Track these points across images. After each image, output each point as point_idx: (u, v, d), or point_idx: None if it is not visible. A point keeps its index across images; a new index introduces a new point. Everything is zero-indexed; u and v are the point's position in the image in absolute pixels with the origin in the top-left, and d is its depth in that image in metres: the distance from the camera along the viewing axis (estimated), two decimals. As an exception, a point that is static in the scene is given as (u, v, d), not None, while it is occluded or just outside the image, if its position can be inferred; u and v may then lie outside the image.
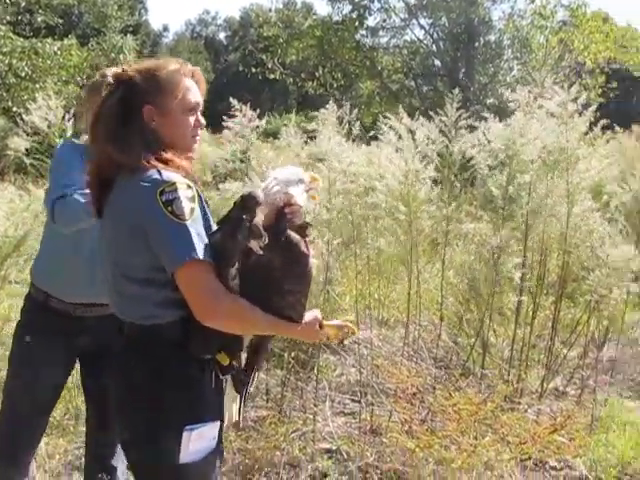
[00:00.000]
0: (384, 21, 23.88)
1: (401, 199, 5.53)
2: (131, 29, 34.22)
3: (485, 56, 22.42)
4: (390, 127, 5.92)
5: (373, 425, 5.31)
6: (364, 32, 24.16)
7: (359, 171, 5.69)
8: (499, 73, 22.30)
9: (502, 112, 7.32)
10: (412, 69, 23.54)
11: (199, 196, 2.58)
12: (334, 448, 5.16)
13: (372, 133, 6.25)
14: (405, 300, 6.16)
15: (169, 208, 2.47)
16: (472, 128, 6.00)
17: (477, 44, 22.46)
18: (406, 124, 5.84)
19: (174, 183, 2.49)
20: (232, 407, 2.85)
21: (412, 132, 5.88)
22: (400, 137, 5.81)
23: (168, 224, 2.47)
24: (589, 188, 6.05)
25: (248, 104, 6.37)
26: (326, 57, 23.72)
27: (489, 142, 5.82)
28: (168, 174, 2.52)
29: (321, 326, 2.73)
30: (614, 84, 20.23)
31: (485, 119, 6.14)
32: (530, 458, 4.91)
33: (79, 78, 21.35)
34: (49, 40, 21.99)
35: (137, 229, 2.53)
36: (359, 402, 5.62)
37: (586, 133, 5.92)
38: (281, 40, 25.61)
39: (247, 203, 2.56)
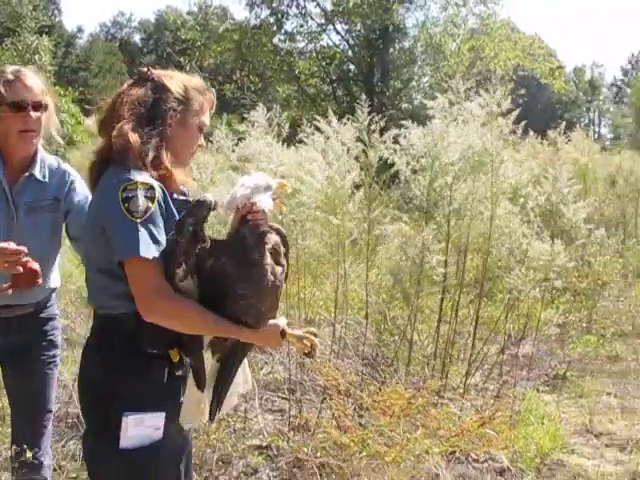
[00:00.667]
0: (301, 26, 23.96)
1: (327, 201, 5.59)
2: (46, 30, 33.66)
3: (399, 62, 22.68)
4: (317, 129, 6.01)
5: (302, 421, 5.34)
6: (281, 37, 24.21)
7: (289, 172, 5.72)
8: (413, 79, 22.62)
9: (416, 116, 7.43)
10: (328, 74, 23.66)
11: (164, 198, 2.62)
12: (264, 444, 5.19)
13: (299, 136, 6.27)
14: (331, 299, 6.24)
15: (126, 205, 2.54)
16: (384, 131, 6.09)
17: (392, 50, 22.70)
18: (334, 127, 5.92)
19: (136, 182, 2.55)
20: (196, 407, 2.84)
21: (334, 135, 5.97)
22: (328, 138, 5.89)
23: (121, 219, 2.54)
24: (509, 190, 6.20)
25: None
26: (243, 61, 23.73)
27: (411, 146, 5.93)
28: (137, 174, 2.58)
29: (283, 334, 2.73)
30: (522, 91, 20.66)
31: (401, 125, 6.26)
32: (456, 451, 5.01)
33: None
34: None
35: (99, 220, 2.63)
36: (288, 399, 5.67)
37: (510, 134, 6.08)
38: (199, 43, 25.59)
39: (194, 208, 2.59)
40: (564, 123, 13.46)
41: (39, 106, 3.35)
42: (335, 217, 5.54)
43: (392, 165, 6.07)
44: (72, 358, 6.57)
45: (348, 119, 6.11)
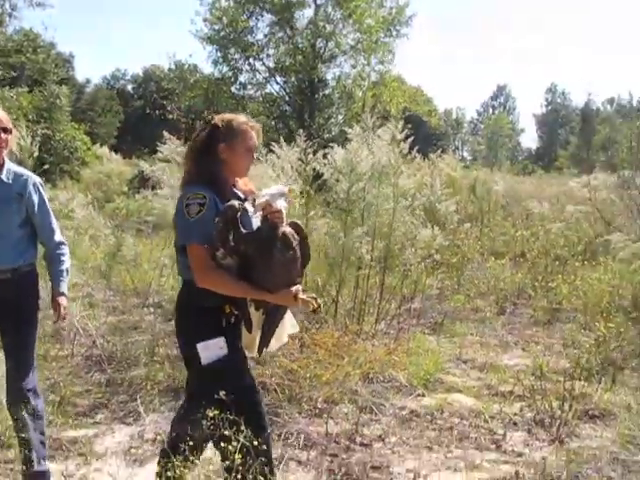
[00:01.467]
0: (251, 78, 23.87)
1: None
2: (65, 81, 32.97)
3: (322, 104, 22.74)
4: (270, 151, 6.14)
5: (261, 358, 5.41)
6: (237, 86, 24.04)
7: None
8: (332, 116, 22.73)
9: (335, 142, 7.56)
10: (272, 113, 23.58)
11: (214, 202, 2.83)
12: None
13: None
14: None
15: (186, 209, 2.84)
16: (315, 152, 6.24)
17: (317, 96, 22.68)
18: (284, 151, 6.04)
19: (194, 194, 2.85)
20: (251, 343, 3.05)
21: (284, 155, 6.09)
22: (279, 158, 6.01)
23: (183, 218, 2.85)
24: (404, 193, 6.37)
25: (177, 136, 6.48)
26: (210, 103, 23.45)
27: (335, 161, 6.06)
28: (196, 189, 2.86)
29: (296, 297, 2.89)
30: (409, 125, 20.82)
31: (326, 146, 6.42)
32: (370, 374, 5.15)
33: (27, 117, 20.54)
34: (6, 88, 21.21)
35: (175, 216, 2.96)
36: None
37: (405, 155, 6.23)
38: (177, 91, 25.30)
39: (224, 210, 2.79)
40: (439, 149, 13.72)
41: (6, 130, 3.37)
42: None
43: (321, 175, 6.22)
44: (93, 316, 6.62)
45: (290, 144, 6.25)
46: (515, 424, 4.63)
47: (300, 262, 2.96)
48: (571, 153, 53.73)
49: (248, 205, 2.92)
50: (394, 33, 22.68)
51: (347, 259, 6.05)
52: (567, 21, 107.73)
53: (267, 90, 24.40)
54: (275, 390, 4.79)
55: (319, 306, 2.96)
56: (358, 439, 4.30)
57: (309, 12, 23.33)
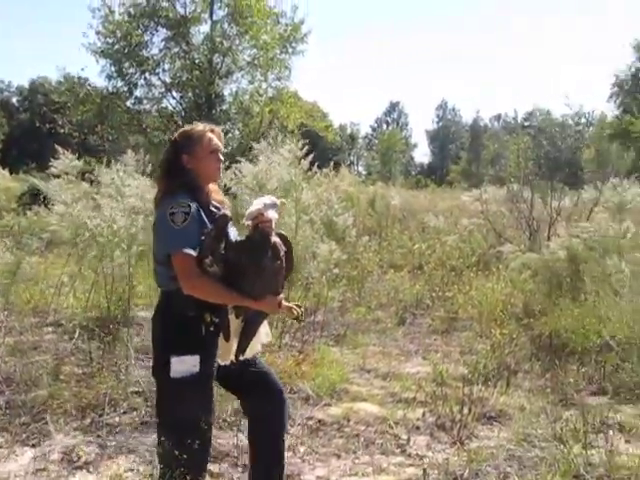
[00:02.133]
0: (147, 93, 23.52)
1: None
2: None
3: (220, 120, 22.69)
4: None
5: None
6: (132, 100, 23.63)
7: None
8: (230, 132, 22.69)
9: (234, 156, 7.64)
10: (169, 128, 23.33)
11: (197, 211, 2.92)
12: (141, 390, 5.25)
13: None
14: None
15: (171, 217, 2.89)
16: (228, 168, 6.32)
17: (214, 111, 22.60)
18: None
19: (177, 203, 2.91)
20: (227, 351, 3.09)
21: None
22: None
23: (167, 226, 2.90)
24: (305, 208, 6.52)
25: (69, 150, 6.38)
26: (103, 117, 22.99)
27: (244, 177, 6.15)
28: (180, 197, 2.93)
29: (280, 305, 3.03)
30: (307, 141, 21.08)
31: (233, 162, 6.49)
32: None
33: None
34: None
35: (156, 228, 3.03)
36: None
37: (306, 172, 6.39)
38: (69, 104, 24.69)
39: (216, 220, 2.92)
40: (333, 164, 13.96)
41: None
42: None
43: (229, 189, 6.30)
44: None
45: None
46: (418, 428, 4.84)
47: (284, 272, 3.06)
48: (462, 168, 55.72)
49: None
50: (290, 50, 22.95)
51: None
52: (457, 40, 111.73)
53: (163, 105, 24.14)
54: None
55: (301, 313, 3.14)
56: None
57: (205, 28, 23.34)
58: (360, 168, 68.33)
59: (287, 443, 4.45)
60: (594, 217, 9.17)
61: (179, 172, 3.04)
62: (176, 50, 23.31)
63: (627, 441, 4.48)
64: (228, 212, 2.98)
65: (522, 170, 12.48)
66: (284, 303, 3.08)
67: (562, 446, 4.17)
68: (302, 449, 4.45)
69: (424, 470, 3.76)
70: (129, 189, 5.72)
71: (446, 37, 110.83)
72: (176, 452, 2.84)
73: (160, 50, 23.42)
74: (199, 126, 3.18)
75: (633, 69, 46.73)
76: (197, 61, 22.82)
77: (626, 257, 6.73)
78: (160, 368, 3.00)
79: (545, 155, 11.76)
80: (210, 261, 2.86)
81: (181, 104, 23.42)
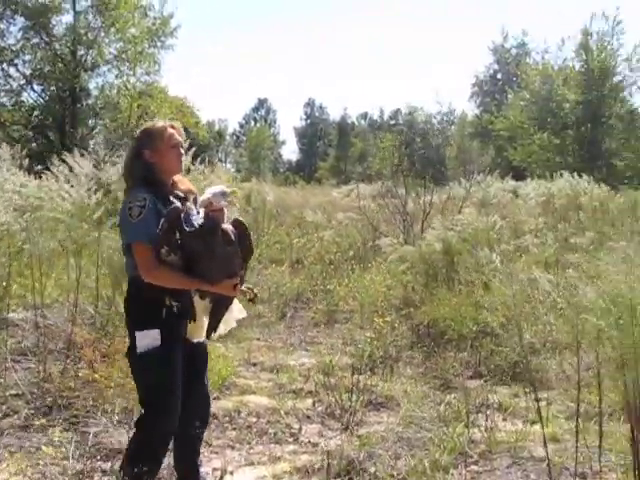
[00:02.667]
0: (4, 85, 22.50)
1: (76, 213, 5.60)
2: None
3: (85, 114, 22.12)
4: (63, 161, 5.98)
5: (47, 374, 5.28)
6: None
7: (29, 193, 5.65)
8: (96, 126, 22.16)
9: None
10: (30, 122, 22.39)
11: (154, 204, 3.12)
12: (21, 393, 5.10)
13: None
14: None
15: (129, 212, 3.12)
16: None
17: (79, 105, 22.01)
18: (76, 161, 5.92)
19: (134, 197, 3.13)
20: (197, 329, 3.34)
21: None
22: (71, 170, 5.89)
23: (126, 220, 3.15)
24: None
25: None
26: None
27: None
28: (136, 193, 3.15)
29: (235, 287, 3.22)
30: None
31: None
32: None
33: None
34: None
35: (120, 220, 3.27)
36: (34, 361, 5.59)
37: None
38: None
39: (168, 212, 3.09)
40: (207, 159, 13.89)
41: None
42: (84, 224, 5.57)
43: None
44: None
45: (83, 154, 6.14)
46: (309, 417, 4.97)
47: (241, 255, 3.26)
48: (330, 165, 56.64)
49: (190, 204, 3.24)
50: (159, 44, 22.65)
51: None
52: (324, 39, 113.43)
53: (22, 98, 23.14)
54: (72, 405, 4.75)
55: (255, 295, 3.36)
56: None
57: (68, 18, 22.60)
58: (229, 165, 68.12)
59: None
60: (463, 211, 9.64)
61: (141, 167, 3.24)
62: (36, 40, 22.44)
63: (504, 419, 4.80)
64: (179, 205, 3.16)
65: (390, 166, 12.94)
66: (239, 287, 3.27)
67: (446, 427, 4.42)
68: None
69: (328, 453, 3.88)
70: (8, 184, 5.52)
71: (314, 34, 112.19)
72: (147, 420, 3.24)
73: (18, 40, 22.48)
74: (159, 122, 3.38)
75: (491, 70, 49.27)
76: (59, 52, 22.07)
77: (496, 249, 7.16)
78: (131, 348, 3.25)
79: (418, 152, 12.24)
80: (166, 251, 3.08)
81: (42, 97, 22.59)
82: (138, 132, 3.39)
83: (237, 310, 3.53)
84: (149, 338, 3.15)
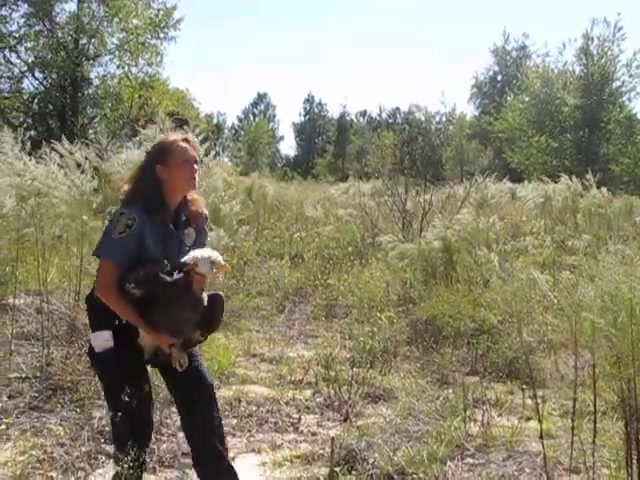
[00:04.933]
0: (6, 72, 22.47)
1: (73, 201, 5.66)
2: None
3: (86, 104, 22.14)
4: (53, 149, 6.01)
5: (50, 359, 5.37)
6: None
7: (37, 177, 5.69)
8: (97, 116, 22.19)
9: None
10: (30, 109, 22.40)
11: (141, 227, 3.00)
12: (24, 376, 5.19)
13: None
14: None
15: (115, 224, 3.02)
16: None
17: (80, 95, 22.03)
18: (68, 148, 5.97)
19: (128, 213, 3.01)
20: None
21: (72, 153, 6.02)
22: (62, 157, 5.93)
23: (109, 230, 3.06)
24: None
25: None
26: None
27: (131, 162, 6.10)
28: (130, 209, 3.03)
29: (169, 347, 3.09)
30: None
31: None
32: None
33: None
34: None
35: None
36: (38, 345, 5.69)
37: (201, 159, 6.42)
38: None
39: (149, 268, 3.00)
40: (213, 152, 13.95)
41: None
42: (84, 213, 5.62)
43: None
44: None
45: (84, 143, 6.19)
46: (308, 408, 5.07)
47: (203, 327, 3.15)
48: (328, 161, 56.62)
49: (189, 230, 3.19)
50: (162, 35, 22.69)
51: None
52: (326, 36, 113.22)
53: (24, 85, 23.15)
54: (72, 388, 4.86)
55: (181, 367, 3.12)
56: (164, 430, 4.47)
57: (72, 6, 22.64)
58: (225, 159, 68.07)
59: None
60: (461, 211, 9.73)
61: (148, 182, 3.11)
62: (39, 28, 22.44)
63: (499, 415, 4.89)
64: (172, 229, 3.15)
65: (387, 165, 13.03)
66: (173, 350, 3.09)
67: (443, 420, 4.52)
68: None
69: (332, 440, 3.97)
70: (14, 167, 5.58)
71: (316, 31, 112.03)
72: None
73: (20, 27, 22.48)
74: (172, 136, 3.23)
75: (492, 72, 49.36)
76: (62, 41, 22.08)
77: (494, 248, 7.26)
78: (90, 348, 3.18)
79: (418, 150, 12.33)
80: (133, 287, 2.99)
81: (44, 85, 22.61)
82: (150, 146, 3.30)
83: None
84: (101, 339, 3.09)
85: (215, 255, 3.05)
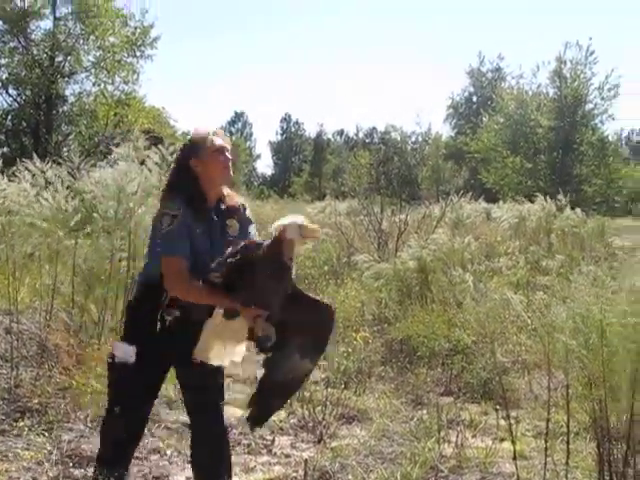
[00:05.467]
0: (-21, 88, 22.34)
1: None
2: None
3: (60, 121, 22.04)
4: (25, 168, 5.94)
5: (18, 380, 5.27)
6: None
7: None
8: (71, 133, 22.06)
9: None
10: (4, 126, 22.25)
11: (182, 218, 3.01)
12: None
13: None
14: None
15: (160, 220, 3.07)
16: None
17: (55, 112, 21.89)
18: (39, 167, 5.90)
19: (171, 206, 3.05)
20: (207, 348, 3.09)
21: (43, 172, 5.95)
22: (33, 175, 5.86)
23: (157, 228, 3.09)
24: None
25: None
26: None
27: (104, 180, 6.04)
28: (172, 202, 3.08)
29: (255, 318, 2.92)
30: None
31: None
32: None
33: None
34: None
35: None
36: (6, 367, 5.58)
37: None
38: None
39: (242, 250, 2.91)
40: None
41: None
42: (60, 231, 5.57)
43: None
44: None
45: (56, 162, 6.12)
46: (282, 429, 5.03)
47: (309, 347, 3.13)
48: (304, 180, 56.75)
49: (231, 222, 3.15)
50: (138, 54, 22.66)
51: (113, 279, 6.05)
52: (303, 56, 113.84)
53: (-4, 103, 22.94)
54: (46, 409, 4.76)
55: (267, 339, 2.92)
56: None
57: (48, 23, 22.55)
58: (202, 177, 67.60)
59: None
60: (437, 231, 9.78)
61: (185, 175, 3.14)
62: (13, 44, 22.33)
63: (474, 436, 4.89)
64: (216, 218, 3.15)
65: (363, 184, 13.08)
66: (259, 320, 2.92)
67: (417, 441, 4.51)
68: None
69: (305, 462, 3.94)
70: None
71: (295, 49, 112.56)
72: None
73: (-6, 44, 22.34)
74: (201, 128, 3.24)
75: (467, 93, 49.92)
76: (37, 58, 21.98)
77: (469, 268, 7.29)
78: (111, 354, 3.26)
79: (394, 170, 12.40)
80: (218, 277, 2.91)
81: (17, 102, 22.43)
82: (182, 144, 3.37)
83: (238, 352, 3.22)
84: (125, 353, 3.11)
85: (302, 219, 2.87)
